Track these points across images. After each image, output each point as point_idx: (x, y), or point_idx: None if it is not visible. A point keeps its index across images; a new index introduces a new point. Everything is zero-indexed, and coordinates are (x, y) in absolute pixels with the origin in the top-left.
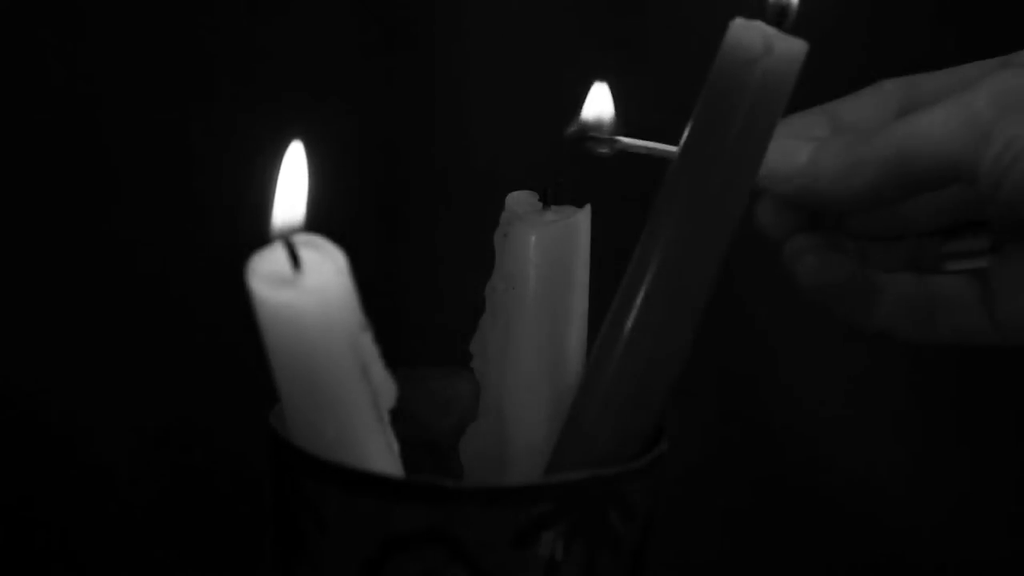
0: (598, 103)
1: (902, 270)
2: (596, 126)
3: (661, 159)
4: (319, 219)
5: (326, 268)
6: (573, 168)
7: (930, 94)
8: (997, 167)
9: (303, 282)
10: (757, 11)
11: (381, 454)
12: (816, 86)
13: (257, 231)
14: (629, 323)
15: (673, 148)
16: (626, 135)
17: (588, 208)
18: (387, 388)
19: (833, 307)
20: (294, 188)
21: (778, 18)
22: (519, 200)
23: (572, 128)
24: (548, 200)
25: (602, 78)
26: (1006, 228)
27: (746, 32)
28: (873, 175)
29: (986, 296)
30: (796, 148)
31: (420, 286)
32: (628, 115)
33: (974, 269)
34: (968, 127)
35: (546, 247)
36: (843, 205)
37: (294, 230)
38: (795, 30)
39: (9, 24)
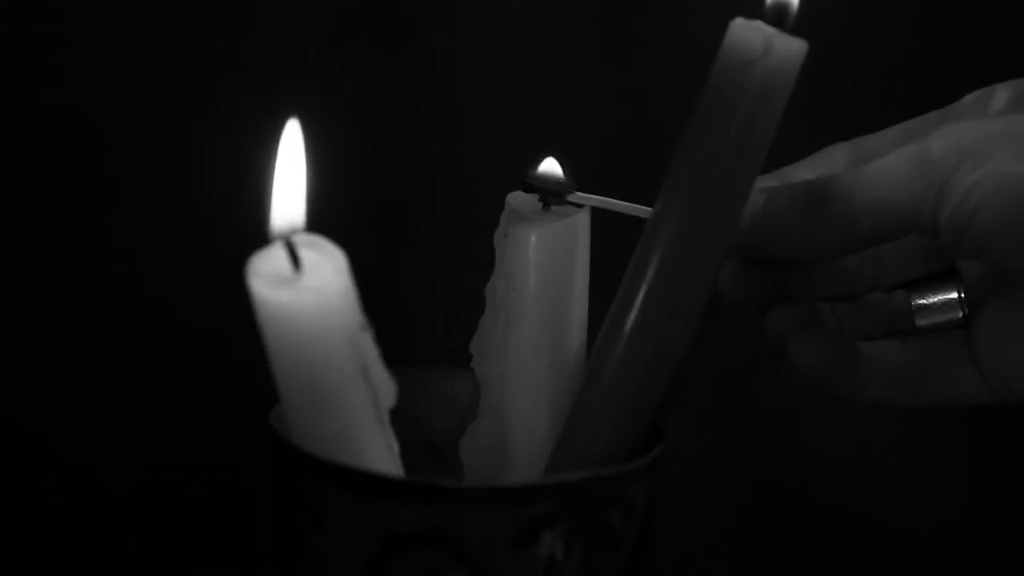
0: (549, 165)
1: (881, 337)
2: (548, 179)
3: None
4: (319, 219)
5: (326, 268)
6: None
7: (879, 150)
8: (958, 217)
9: (303, 282)
10: (757, 11)
11: (381, 454)
12: (817, 86)
13: (255, 231)
14: (629, 323)
15: (623, 203)
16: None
17: (588, 208)
18: (387, 388)
19: (825, 385)
20: (292, 185)
21: (778, 18)
22: (519, 200)
23: (526, 178)
24: (548, 200)
25: (553, 151)
26: (974, 277)
27: (746, 32)
28: (829, 222)
29: (972, 356)
30: (751, 195)
31: (420, 286)
32: (628, 115)
33: (950, 325)
34: (923, 176)
35: (546, 247)
36: (800, 253)
37: (294, 230)
38: (795, 30)
39: None
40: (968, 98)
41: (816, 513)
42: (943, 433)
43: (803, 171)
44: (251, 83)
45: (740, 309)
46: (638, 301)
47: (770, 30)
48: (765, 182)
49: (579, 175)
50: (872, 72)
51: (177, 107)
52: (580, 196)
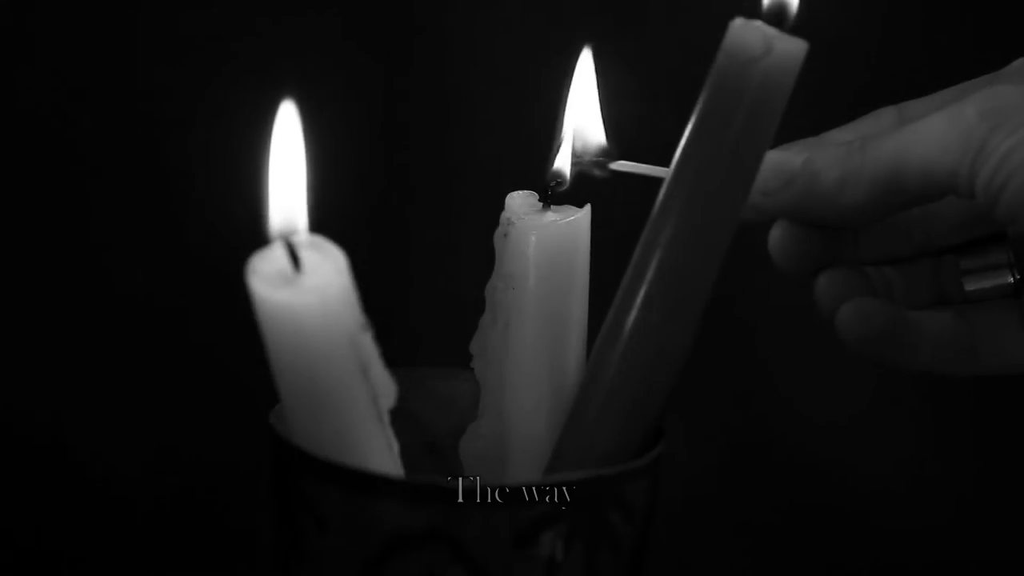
0: (584, 130)
1: (931, 305)
2: (584, 150)
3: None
4: (319, 219)
5: (326, 268)
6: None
7: (926, 114)
8: (994, 181)
9: (303, 282)
10: (756, 11)
11: (381, 454)
12: (817, 87)
13: (255, 230)
14: (629, 323)
15: (665, 170)
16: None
17: (588, 208)
18: (387, 388)
19: (876, 354)
20: (292, 182)
21: (778, 18)
22: (519, 200)
23: (562, 152)
24: (548, 200)
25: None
26: (1020, 240)
27: (746, 32)
28: (866, 184)
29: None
30: (790, 157)
31: (420, 286)
32: (629, 114)
33: (999, 290)
34: (960, 140)
35: (546, 247)
36: (842, 214)
37: (296, 231)
38: (795, 30)
39: None
40: (1017, 63)
41: (817, 514)
42: (947, 437)
43: (847, 134)
44: (250, 81)
45: (790, 274)
46: (638, 301)
47: (770, 30)
48: (807, 144)
49: (580, 175)
50: (872, 73)
51: (171, 105)
52: (619, 165)
